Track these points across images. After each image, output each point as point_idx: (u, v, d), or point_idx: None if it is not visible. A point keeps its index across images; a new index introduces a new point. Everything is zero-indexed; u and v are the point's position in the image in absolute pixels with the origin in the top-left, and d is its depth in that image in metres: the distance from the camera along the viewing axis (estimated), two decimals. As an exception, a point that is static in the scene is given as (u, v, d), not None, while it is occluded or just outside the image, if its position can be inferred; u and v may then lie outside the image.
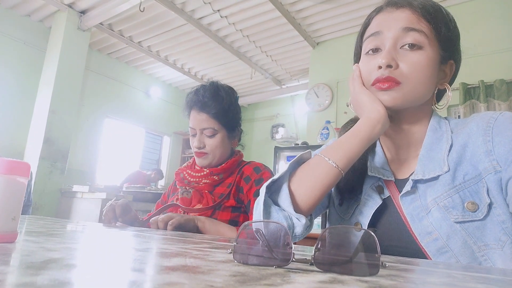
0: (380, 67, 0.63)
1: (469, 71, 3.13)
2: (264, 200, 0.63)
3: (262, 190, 0.65)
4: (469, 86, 3.20)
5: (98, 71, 4.99)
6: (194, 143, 1.14)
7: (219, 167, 1.15)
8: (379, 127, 0.64)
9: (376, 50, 0.67)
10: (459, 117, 3.30)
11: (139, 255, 0.39)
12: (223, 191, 1.12)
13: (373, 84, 0.65)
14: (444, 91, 0.71)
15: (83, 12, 4.08)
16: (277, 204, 0.64)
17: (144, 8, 3.63)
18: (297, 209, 0.63)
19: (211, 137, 1.13)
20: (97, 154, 4.95)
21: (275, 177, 0.66)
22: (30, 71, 4.13)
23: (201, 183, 1.13)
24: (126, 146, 5.51)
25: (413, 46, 0.63)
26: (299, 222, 0.62)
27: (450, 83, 0.71)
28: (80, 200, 3.68)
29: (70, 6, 3.97)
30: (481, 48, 3.19)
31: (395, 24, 0.65)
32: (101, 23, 4.19)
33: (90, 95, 4.81)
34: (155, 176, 4.94)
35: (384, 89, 0.63)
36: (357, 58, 0.75)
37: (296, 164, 0.69)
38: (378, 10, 0.71)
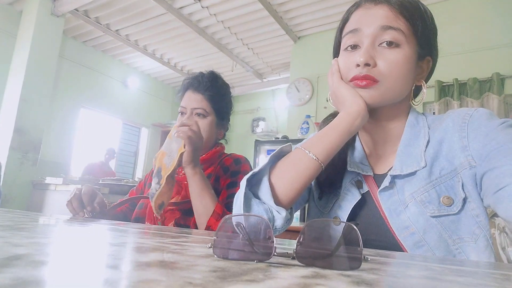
0: (358, 65, 0.63)
1: (444, 70, 3.22)
2: (245, 193, 0.63)
3: (243, 183, 0.64)
4: (444, 84, 3.30)
5: (73, 59, 4.81)
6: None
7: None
8: (359, 120, 0.64)
9: (354, 47, 0.67)
10: (434, 113, 3.40)
11: (113, 250, 0.37)
12: None
13: (351, 81, 0.65)
14: (422, 87, 0.72)
15: (57, -3, 3.91)
16: (257, 197, 0.64)
17: (122, -5, 3.52)
18: (277, 202, 0.63)
19: (200, 118, 1.11)
20: (71, 145, 4.80)
21: (255, 170, 0.66)
22: (-1, 57, 3.93)
23: (181, 174, 1.10)
24: (102, 138, 5.36)
25: (391, 44, 0.63)
26: (280, 215, 0.62)
27: (427, 79, 0.73)
28: (54, 193, 3.55)
29: (43, -11, 3.79)
30: (456, 47, 3.29)
31: (373, 22, 0.65)
32: (76, 9, 4.03)
33: (64, 83, 4.64)
34: (108, 156, 4.78)
35: (362, 87, 0.63)
36: (336, 52, 0.75)
37: (276, 158, 0.68)
38: (357, 5, 0.70)
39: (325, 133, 0.65)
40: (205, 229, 0.94)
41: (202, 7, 3.86)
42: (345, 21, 0.72)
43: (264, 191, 0.63)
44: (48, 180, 3.59)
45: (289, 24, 4.17)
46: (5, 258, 0.27)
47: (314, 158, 0.63)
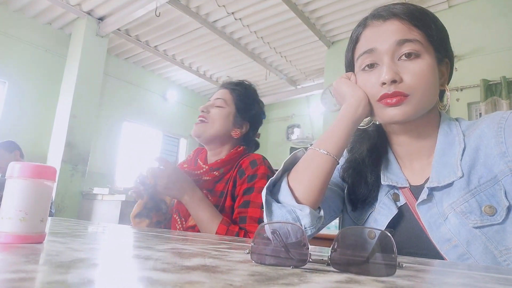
0: (384, 83, 0.63)
1: (490, 67, 3.04)
2: (266, 199, 0.64)
3: (263, 192, 0.66)
4: (491, 83, 3.11)
5: (116, 75, 5.10)
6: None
7: (219, 160, 1.11)
8: (360, 109, 0.67)
9: (372, 66, 0.67)
10: (480, 114, 3.21)
11: (160, 255, 0.40)
12: (222, 188, 1.09)
13: (379, 100, 0.64)
14: (445, 91, 0.71)
15: (101, 19, 4.19)
16: (279, 202, 0.65)
17: (159, 13, 3.70)
18: (299, 201, 0.64)
19: (218, 107, 1.15)
20: (116, 157, 5.06)
21: (273, 178, 0.68)
22: (52, 77, 4.26)
23: (202, 180, 1.09)
24: (144, 149, 5.61)
25: (410, 55, 0.63)
26: (303, 213, 0.62)
27: (448, 81, 0.71)
28: (101, 202, 3.78)
29: (89, 13, 4.08)
30: (501, 43, 3.10)
31: (387, 38, 0.64)
32: (118, 29, 4.28)
33: (109, 99, 4.93)
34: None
35: (393, 104, 0.63)
36: (349, 69, 0.76)
37: (291, 164, 0.70)
38: (364, 25, 0.70)
39: (332, 128, 0.68)
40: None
41: (235, 19, 3.96)
42: (354, 42, 0.72)
43: (284, 194, 0.64)
44: (96, 190, 3.82)
45: (322, 30, 4.15)
46: (70, 261, 0.30)
47: (325, 153, 0.65)
